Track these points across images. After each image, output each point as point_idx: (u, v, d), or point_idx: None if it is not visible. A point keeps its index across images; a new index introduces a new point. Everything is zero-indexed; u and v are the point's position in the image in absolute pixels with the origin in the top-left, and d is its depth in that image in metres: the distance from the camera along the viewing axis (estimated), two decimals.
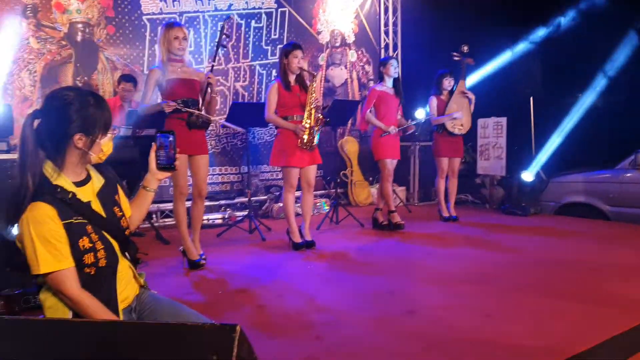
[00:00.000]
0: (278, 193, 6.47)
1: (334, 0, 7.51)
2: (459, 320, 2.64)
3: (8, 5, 4.88)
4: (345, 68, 7.78)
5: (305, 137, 4.18)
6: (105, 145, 1.68)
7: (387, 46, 8.27)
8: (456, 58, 5.61)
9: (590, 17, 6.37)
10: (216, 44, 3.94)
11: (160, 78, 3.64)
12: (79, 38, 5.34)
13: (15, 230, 1.52)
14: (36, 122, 1.57)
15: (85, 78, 5.38)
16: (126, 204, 1.82)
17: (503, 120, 6.33)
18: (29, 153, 1.53)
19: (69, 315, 1.56)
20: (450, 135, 5.58)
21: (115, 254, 1.67)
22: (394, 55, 8.05)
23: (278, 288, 3.30)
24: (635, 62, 6.38)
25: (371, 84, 7.80)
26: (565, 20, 6.74)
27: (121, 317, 1.64)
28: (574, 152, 6.41)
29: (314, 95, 4.20)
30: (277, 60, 5.12)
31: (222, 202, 6.29)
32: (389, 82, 5.18)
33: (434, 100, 5.62)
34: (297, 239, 4.41)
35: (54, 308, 1.57)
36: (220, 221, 5.80)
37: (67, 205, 1.55)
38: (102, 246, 1.60)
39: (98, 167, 1.75)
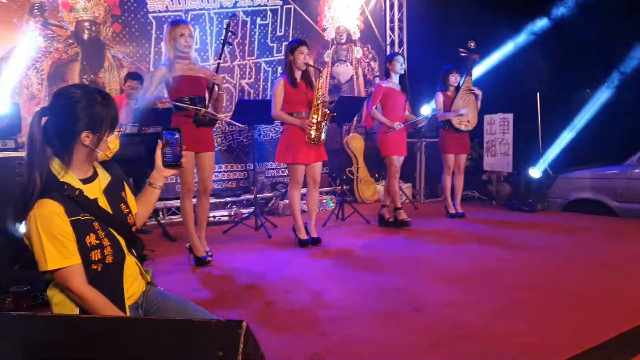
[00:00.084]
0: (284, 190, 6.48)
1: None
2: (465, 317, 2.64)
3: (16, 4, 4.91)
4: (351, 65, 7.77)
5: (313, 132, 4.18)
6: (112, 143, 1.69)
7: (392, 42, 8.24)
8: (463, 54, 5.58)
9: (593, 9, 6.29)
10: (222, 41, 3.95)
11: (167, 75, 3.66)
12: (85, 36, 5.36)
13: (23, 227, 1.53)
14: (44, 120, 1.58)
15: (92, 76, 5.41)
16: (132, 201, 1.82)
17: (509, 116, 6.29)
18: (37, 150, 1.54)
19: (76, 311, 1.57)
20: (456, 131, 5.56)
21: (122, 250, 1.67)
22: (400, 52, 8.03)
23: (284, 285, 3.31)
24: None
25: (377, 80, 7.78)
26: (566, 10, 6.67)
27: (128, 314, 1.65)
28: (581, 148, 6.36)
29: (320, 90, 4.21)
30: (283, 57, 5.12)
31: (228, 199, 6.31)
32: (395, 79, 5.17)
33: (440, 96, 5.60)
34: (303, 235, 4.41)
35: (61, 304, 1.58)
36: (226, 218, 5.82)
37: (74, 202, 1.56)
38: (109, 243, 1.61)
39: (104, 164, 1.76)
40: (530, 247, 4.24)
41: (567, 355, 2.13)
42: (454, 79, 5.58)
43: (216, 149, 5.08)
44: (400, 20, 8.28)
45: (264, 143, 6.82)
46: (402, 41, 8.30)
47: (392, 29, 8.25)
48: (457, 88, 5.59)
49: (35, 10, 5.01)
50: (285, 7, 6.90)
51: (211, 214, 5.69)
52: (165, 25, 3.82)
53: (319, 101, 4.18)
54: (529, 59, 6.50)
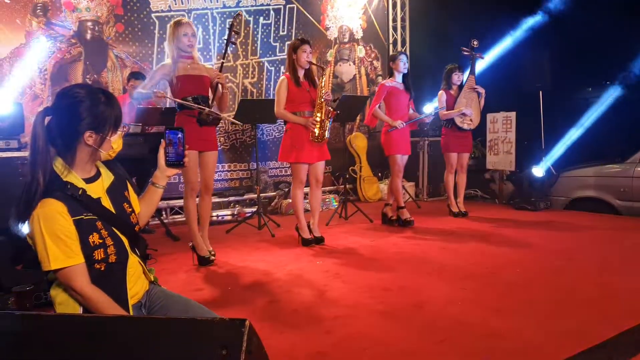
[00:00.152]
0: (287, 189, 6.49)
1: None
2: (468, 315, 2.63)
3: (19, 4, 4.92)
4: (354, 64, 7.77)
5: (317, 130, 4.18)
6: (115, 142, 1.69)
7: (395, 42, 8.24)
8: (465, 53, 5.57)
9: (591, 3, 6.26)
10: (225, 41, 3.95)
11: (170, 74, 3.66)
12: (88, 36, 5.37)
13: (26, 227, 1.53)
14: (47, 120, 1.58)
15: (95, 76, 5.42)
16: (135, 201, 1.83)
17: (512, 115, 6.28)
18: (40, 150, 1.54)
19: (79, 311, 1.57)
20: (459, 130, 5.55)
21: (125, 249, 1.68)
22: (403, 50, 8.02)
23: (287, 283, 3.31)
24: None
25: (379, 79, 7.78)
26: (562, 5, 6.65)
27: (131, 313, 1.65)
28: (584, 147, 6.34)
29: (324, 88, 4.20)
30: (286, 56, 5.12)
31: (231, 198, 6.32)
32: (398, 78, 5.16)
33: (443, 95, 5.59)
34: (306, 234, 4.41)
35: (64, 304, 1.59)
36: (229, 217, 5.82)
37: (77, 201, 1.56)
38: (112, 242, 1.62)
39: (108, 163, 1.76)
40: (532, 245, 4.23)
41: (569, 354, 2.13)
42: (457, 77, 5.57)
43: (219, 148, 5.09)
44: (402, 20, 8.27)
45: (266, 142, 6.82)
46: (404, 40, 8.29)
47: (394, 28, 8.25)
48: (460, 87, 5.58)
49: (38, 10, 5.03)
50: (288, 6, 6.90)
51: (214, 213, 5.70)
52: (168, 25, 3.82)
53: (322, 99, 4.18)
54: (530, 57, 6.47)
